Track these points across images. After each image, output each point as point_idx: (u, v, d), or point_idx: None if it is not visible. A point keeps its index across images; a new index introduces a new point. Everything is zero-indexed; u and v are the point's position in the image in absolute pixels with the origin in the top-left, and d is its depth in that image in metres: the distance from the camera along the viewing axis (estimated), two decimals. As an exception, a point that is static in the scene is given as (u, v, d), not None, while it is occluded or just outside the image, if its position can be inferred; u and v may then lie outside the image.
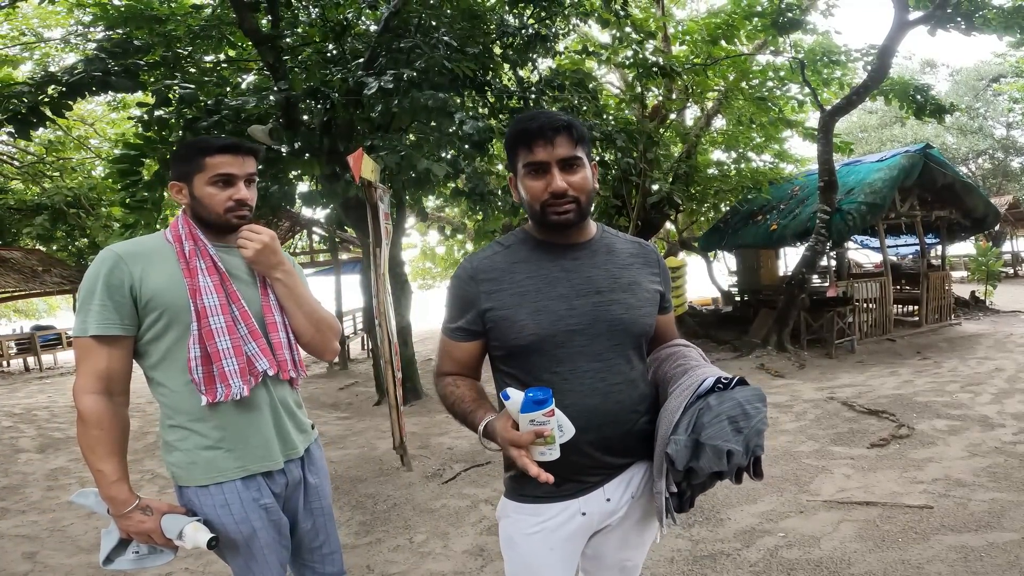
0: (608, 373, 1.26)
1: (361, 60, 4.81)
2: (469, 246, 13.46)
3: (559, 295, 1.24)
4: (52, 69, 8.84)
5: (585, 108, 6.67)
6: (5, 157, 11.14)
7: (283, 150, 5.40)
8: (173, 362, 1.41)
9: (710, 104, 9.91)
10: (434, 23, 4.95)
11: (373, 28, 5.53)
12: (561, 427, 1.12)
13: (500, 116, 6.27)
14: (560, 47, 7.31)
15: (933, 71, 23.15)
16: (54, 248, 12.75)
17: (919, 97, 7.90)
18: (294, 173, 6.11)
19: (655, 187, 9.43)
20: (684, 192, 9.36)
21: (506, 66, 5.98)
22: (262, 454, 1.49)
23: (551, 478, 1.08)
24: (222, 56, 5.67)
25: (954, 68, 23.29)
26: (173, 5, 5.18)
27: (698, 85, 8.50)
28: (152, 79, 4.97)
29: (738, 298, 11.42)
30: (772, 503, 2.89)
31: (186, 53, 5.05)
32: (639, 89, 8.61)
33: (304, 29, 5.33)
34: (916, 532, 2.44)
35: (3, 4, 7.37)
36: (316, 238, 10.74)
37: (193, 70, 5.20)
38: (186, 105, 4.62)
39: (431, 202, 10.87)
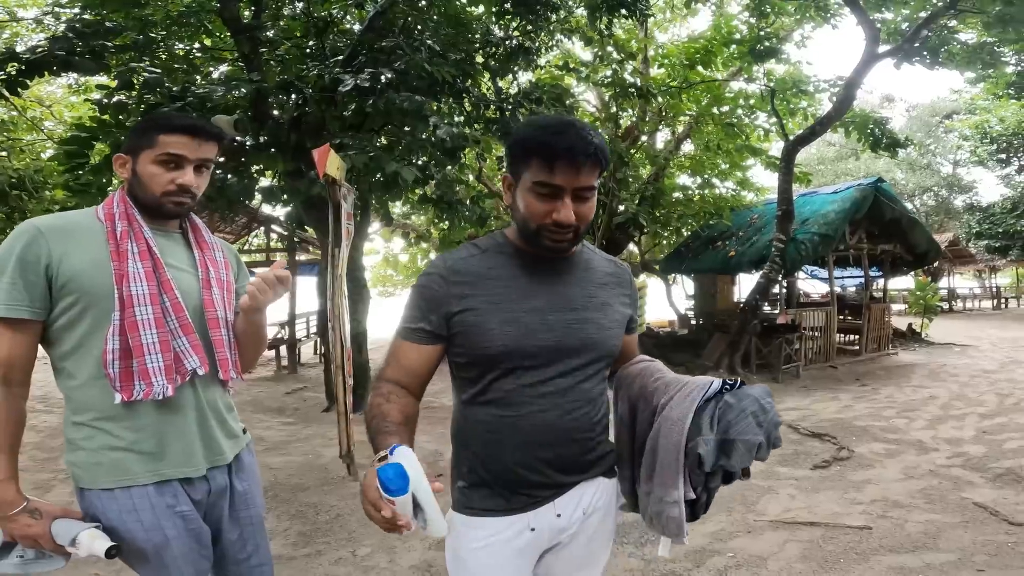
0: (571, 391, 1.23)
1: (340, 57, 4.74)
2: (433, 255, 13.37)
3: (533, 308, 1.20)
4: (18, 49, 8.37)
5: None
6: None
7: (247, 142, 5.25)
8: (86, 353, 1.28)
9: (681, 128, 10.21)
10: (419, 27, 4.93)
11: (357, 27, 5.47)
12: (426, 521, 0.96)
13: (476, 125, 6.28)
14: (542, 61, 7.42)
15: (891, 105, 24.49)
16: (-10, 230, 11.94)
17: (877, 131, 8.30)
18: (256, 167, 5.94)
19: (621, 208, 9.63)
20: (649, 214, 9.57)
21: (486, 75, 6.00)
22: (182, 460, 1.36)
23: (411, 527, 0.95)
24: (197, 44, 5.49)
25: (911, 104, 24.67)
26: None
27: (672, 108, 8.75)
28: (118, 62, 4.75)
29: (694, 322, 11.71)
30: (721, 523, 2.94)
31: (159, 39, 4.85)
32: (614, 109, 8.79)
33: (286, 23, 5.22)
34: (856, 552, 2.52)
35: None
36: (274, 236, 10.43)
37: (164, 56, 5.01)
38: (149, 91, 4.43)
39: (398, 208, 10.74)
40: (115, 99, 4.76)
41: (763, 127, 9.13)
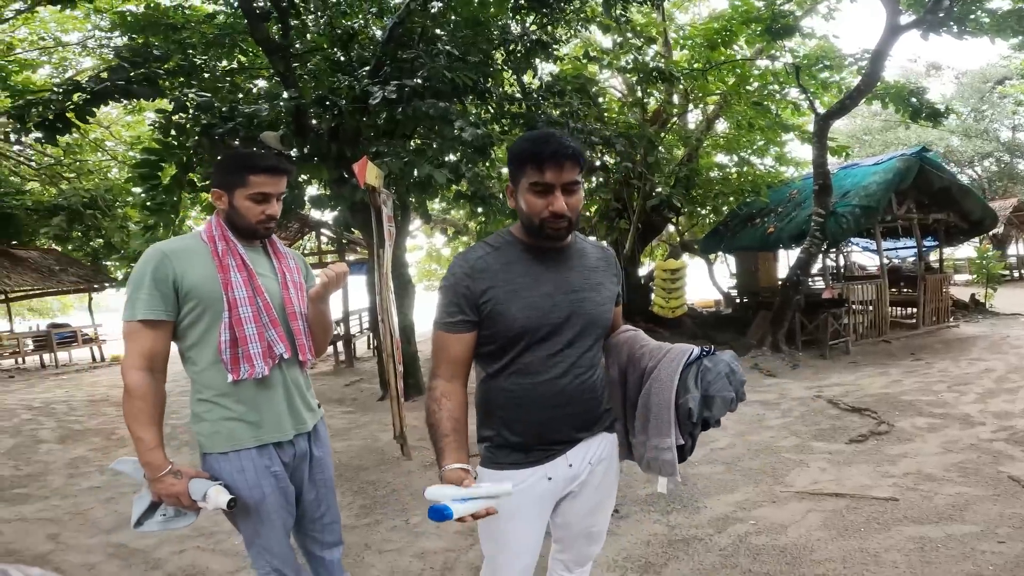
0: (579, 359, 1.44)
1: (368, 68, 5.03)
2: (473, 247, 13.70)
3: (544, 293, 1.40)
4: (70, 74, 9.11)
5: (585, 113, 6.85)
6: (23, 159, 11.50)
7: (293, 154, 5.64)
8: (205, 344, 1.63)
9: (711, 108, 10.06)
10: (438, 31, 5.15)
11: (380, 34, 5.74)
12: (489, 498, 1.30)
13: (503, 121, 6.46)
14: (563, 52, 7.49)
15: (939, 73, 23.09)
16: (70, 248, 13.07)
17: (915, 101, 8.00)
18: (303, 177, 6.35)
19: (658, 190, 9.61)
20: (684, 195, 9.52)
21: (507, 73, 6.17)
22: (275, 427, 1.71)
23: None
24: (235, 64, 5.91)
25: (960, 71, 23.20)
26: (187, 12, 5.41)
27: (698, 89, 8.66)
28: (170, 86, 5.22)
29: (737, 300, 11.56)
30: (748, 493, 3.07)
31: (200, 61, 5.28)
32: (640, 93, 8.78)
33: (313, 38, 5.55)
34: (879, 523, 2.61)
35: (22, 9, 7.63)
36: (324, 239, 10.98)
37: (207, 75, 5.44)
38: (202, 112, 4.85)
39: (436, 205, 11.07)
40: (173, 120, 5.23)
41: (795, 102, 8.90)
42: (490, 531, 1.53)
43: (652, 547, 2.53)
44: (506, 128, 6.42)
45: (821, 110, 7.82)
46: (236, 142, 5.35)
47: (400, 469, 3.90)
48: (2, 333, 12.56)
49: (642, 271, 12.39)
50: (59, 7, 4.61)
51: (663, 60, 8.18)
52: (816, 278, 11.05)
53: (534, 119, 6.00)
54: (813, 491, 3.03)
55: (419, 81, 4.29)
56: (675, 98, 9.36)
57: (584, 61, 7.84)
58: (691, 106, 9.84)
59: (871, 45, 7.32)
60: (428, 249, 15.12)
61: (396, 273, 6.47)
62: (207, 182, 5.93)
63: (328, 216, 8.95)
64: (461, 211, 11.26)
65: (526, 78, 6.81)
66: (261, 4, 4.80)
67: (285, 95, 4.91)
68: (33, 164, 11.68)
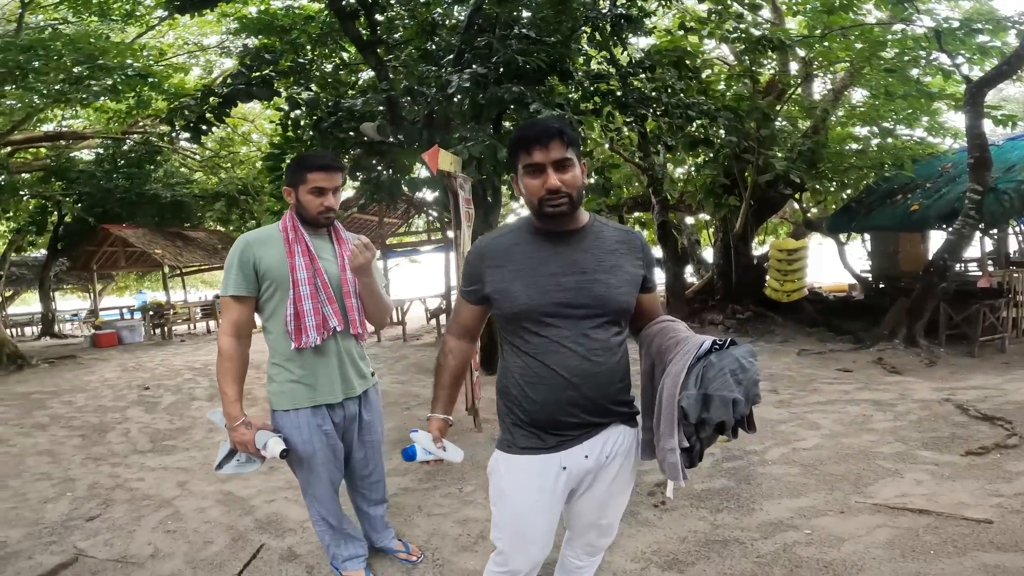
0: (588, 340, 1.44)
1: (451, 57, 5.20)
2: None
3: (549, 273, 1.44)
4: (215, 74, 10.41)
5: (681, 87, 6.46)
6: (188, 153, 13.63)
7: (390, 143, 6.02)
8: (276, 317, 1.97)
9: (839, 76, 8.92)
10: (515, 13, 5.14)
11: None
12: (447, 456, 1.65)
13: (593, 99, 6.32)
14: (658, 23, 7.08)
15: None
16: (231, 228, 15.19)
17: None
18: (404, 163, 6.75)
19: (778, 166, 8.79)
20: (806, 170, 8.59)
21: (593, 51, 5.98)
22: (327, 390, 1.99)
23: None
24: (338, 60, 6.41)
25: None
26: (297, 12, 5.94)
27: (821, 57, 7.70)
28: (284, 86, 5.83)
29: (874, 285, 10.27)
30: (815, 500, 2.82)
31: (306, 62, 5.81)
32: (747, 63, 8.03)
33: (400, 33, 5.83)
34: (955, 546, 2.27)
35: (163, 16, 8.78)
36: (431, 218, 11.59)
37: (316, 73, 5.98)
38: (310, 108, 5.37)
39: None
40: (291, 117, 5.83)
41: (943, 68, 7.55)
42: (504, 520, 1.57)
43: (686, 544, 2.45)
44: (597, 106, 6.27)
45: (974, 75, 6.60)
46: (341, 134, 5.85)
47: (468, 440, 4.11)
48: (176, 303, 15.02)
49: (758, 251, 11.49)
50: (190, 16, 5.28)
51: (772, 28, 7.38)
52: (970, 263, 9.45)
53: (625, 97, 5.79)
54: (895, 505, 2.70)
55: (489, 67, 4.35)
56: (794, 67, 8.42)
57: (684, 34, 7.33)
58: (817, 74, 8.78)
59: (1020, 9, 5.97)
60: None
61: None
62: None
63: (430, 197, 9.46)
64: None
65: (617, 53, 6.56)
66: (350, 1, 5.12)
67: (379, 88, 5.24)
68: (197, 157, 13.75)
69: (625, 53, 6.48)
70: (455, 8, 5.61)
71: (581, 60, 6.53)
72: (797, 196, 10.48)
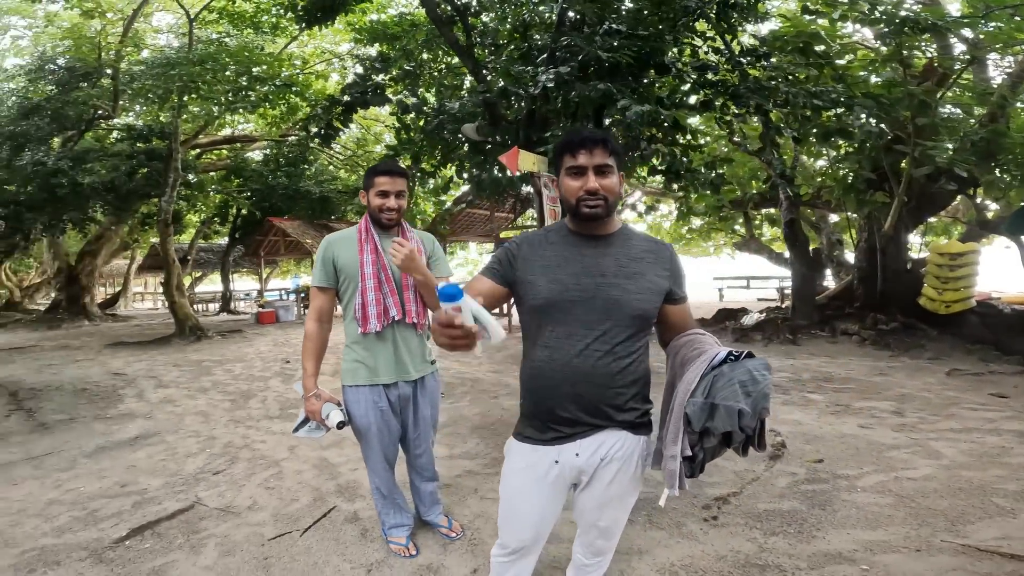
0: (596, 342, 1.50)
1: (544, 57, 5.27)
2: (696, 222, 12.84)
3: (571, 272, 1.53)
4: (350, 79, 11.51)
5: (804, 76, 5.88)
6: (333, 153, 15.33)
7: (489, 143, 6.27)
8: (349, 305, 2.28)
9: (1021, 59, 7.43)
10: (609, 8, 5.03)
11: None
12: (486, 329, 1.22)
13: (704, 91, 6.02)
14: (784, 6, 6.47)
15: None
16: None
17: None
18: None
19: (938, 159, 7.60)
20: (976, 163, 7.30)
21: (697, 40, 5.66)
22: (383, 372, 2.28)
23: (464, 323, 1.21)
24: (443, 65, 6.79)
25: None
26: (406, 20, 6.40)
27: (991, 39, 6.48)
28: (395, 92, 6.34)
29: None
30: (893, 534, 2.50)
31: (412, 67, 6.24)
32: (893, 46, 7.00)
33: (496, 37, 6.01)
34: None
35: (299, 30, 9.69)
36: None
37: (424, 77, 6.40)
38: (416, 112, 5.79)
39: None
40: (404, 121, 6.32)
41: None
42: (503, 504, 1.70)
43: (722, 563, 2.33)
44: (708, 97, 5.96)
45: None
46: (446, 135, 6.21)
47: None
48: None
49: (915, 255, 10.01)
50: (318, 28, 5.95)
51: (923, 7, 6.35)
52: None
53: (738, 88, 5.43)
54: (986, 547, 2.31)
55: (571, 66, 4.34)
56: (960, 51, 7.18)
57: (810, 18, 6.61)
58: (988, 57, 7.41)
59: None
60: (651, 223, 14.80)
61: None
62: (434, 169, 7.02)
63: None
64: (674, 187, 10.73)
65: (728, 42, 6.14)
66: (446, 8, 5.39)
67: (477, 90, 5.48)
68: (339, 156, 15.37)
69: (736, 41, 6.06)
70: (543, 8, 5.65)
71: (688, 52, 6.24)
72: (970, 192, 8.95)
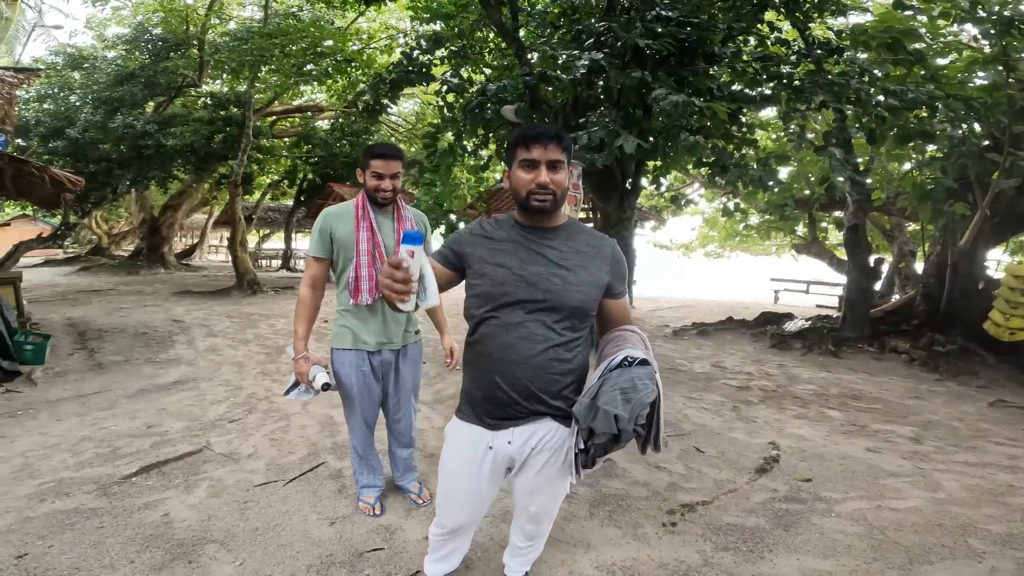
0: (535, 327, 1.57)
1: (591, 41, 5.17)
2: (755, 217, 12.27)
3: (516, 261, 1.61)
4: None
5: (888, 74, 5.49)
6: (394, 125, 15.75)
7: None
8: (343, 276, 2.44)
9: None
10: None
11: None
12: (426, 289, 1.31)
13: (768, 83, 5.75)
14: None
15: None
16: (421, 191, 17.14)
17: None
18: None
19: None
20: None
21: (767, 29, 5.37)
22: (367, 339, 2.44)
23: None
24: (493, 46, 6.78)
25: None
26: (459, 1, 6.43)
27: None
28: (443, 71, 6.42)
29: None
30: (840, 566, 2.41)
31: (458, 48, 6.28)
32: (994, 48, 6.36)
33: (545, 19, 5.92)
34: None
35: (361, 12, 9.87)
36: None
37: (472, 58, 6.44)
38: (457, 92, 5.86)
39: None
40: (446, 100, 6.42)
41: None
42: (440, 485, 1.81)
43: (662, 570, 2.34)
44: (771, 91, 5.69)
45: None
46: (487, 115, 6.26)
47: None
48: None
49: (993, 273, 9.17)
50: (376, 4, 6.09)
51: None
52: None
53: (803, 83, 5.16)
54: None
55: (605, 53, 4.25)
56: None
57: (909, 13, 6.09)
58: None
59: None
60: (708, 216, 14.29)
61: (619, 237, 6.64)
62: (474, 149, 7.11)
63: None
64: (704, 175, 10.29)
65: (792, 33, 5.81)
66: None
67: (520, 73, 5.47)
68: (401, 128, 15.77)
69: (808, 34, 5.73)
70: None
71: (754, 43, 5.97)
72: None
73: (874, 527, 2.79)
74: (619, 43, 4.47)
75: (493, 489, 1.78)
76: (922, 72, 6.21)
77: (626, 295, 1.72)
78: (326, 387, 2.32)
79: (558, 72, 5.24)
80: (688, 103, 4.30)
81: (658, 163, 6.75)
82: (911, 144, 7.58)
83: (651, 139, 5.48)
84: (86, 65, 12.66)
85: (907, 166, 10.46)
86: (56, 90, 12.62)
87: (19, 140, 11.84)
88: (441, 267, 1.66)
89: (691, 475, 3.37)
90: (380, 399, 2.57)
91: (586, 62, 4.35)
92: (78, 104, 12.19)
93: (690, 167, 7.41)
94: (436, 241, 3.10)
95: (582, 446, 1.52)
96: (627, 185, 6.66)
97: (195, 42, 11.50)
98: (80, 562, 2.28)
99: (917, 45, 6.17)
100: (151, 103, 13.35)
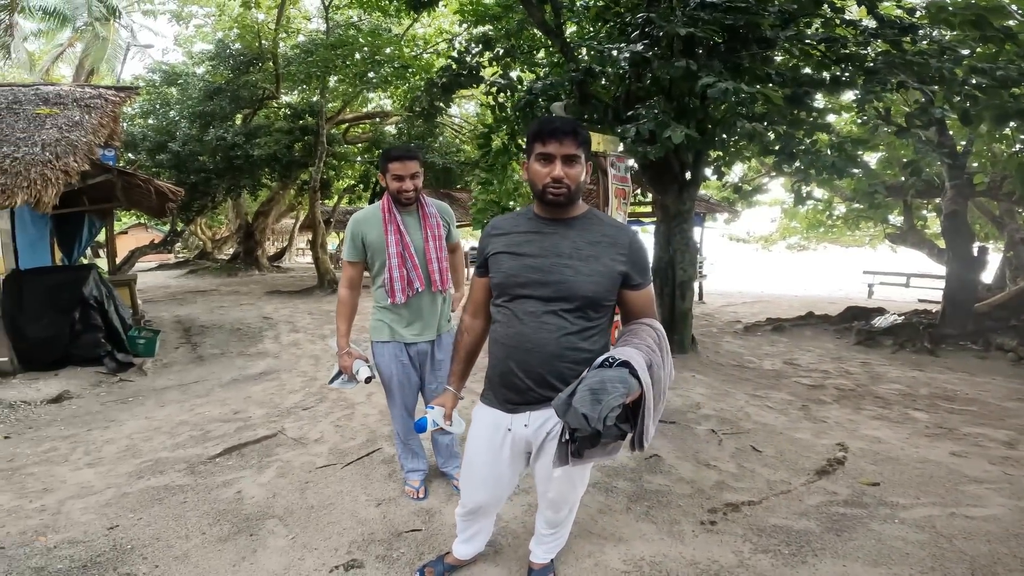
0: (547, 316, 1.65)
1: (636, 34, 5.08)
2: (841, 208, 11.42)
3: (531, 251, 1.69)
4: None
5: (965, 53, 5.01)
6: (457, 127, 16.10)
7: (581, 120, 6.23)
8: (378, 277, 2.61)
9: None
10: None
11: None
12: (450, 429, 1.98)
13: (839, 66, 5.42)
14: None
15: None
16: (486, 193, 17.44)
17: None
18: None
19: None
20: None
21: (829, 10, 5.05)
22: (405, 332, 2.61)
23: None
24: (539, 44, 6.79)
25: None
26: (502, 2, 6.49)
27: None
28: (492, 72, 6.53)
29: None
30: (893, 574, 2.26)
31: (505, 48, 6.35)
32: None
33: (588, 13, 5.85)
34: None
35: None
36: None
37: (519, 59, 6.50)
38: (505, 92, 5.95)
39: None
40: (498, 100, 6.53)
41: None
42: (463, 467, 1.93)
43: (692, 569, 2.30)
44: (843, 73, 5.36)
45: None
46: (538, 113, 6.31)
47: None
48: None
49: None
50: (425, 11, 6.26)
51: None
52: None
53: (864, 62, 4.82)
54: None
55: (645, 44, 4.16)
56: None
57: None
58: None
59: None
60: (787, 207, 13.48)
61: (679, 230, 6.50)
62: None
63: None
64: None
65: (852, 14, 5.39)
66: None
67: (567, 69, 5.47)
68: (466, 130, 16.10)
69: (876, 12, 5.34)
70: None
71: (818, 24, 5.63)
72: None
73: (941, 535, 2.58)
74: (661, 33, 4.36)
75: (514, 473, 1.84)
76: (1014, 50, 5.55)
77: (648, 286, 1.71)
78: (369, 379, 2.50)
79: (606, 67, 5.19)
80: (738, 89, 4.14)
81: (719, 153, 6.51)
82: (1012, 124, 6.79)
83: (709, 128, 5.29)
84: (180, 81, 13.98)
85: (1017, 147, 9.36)
86: (157, 106, 14.03)
87: (129, 154, 13.29)
88: (483, 281, 1.82)
89: (742, 474, 3.26)
90: (419, 386, 2.72)
91: (627, 55, 4.28)
92: (177, 119, 13.49)
93: (751, 156, 7.06)
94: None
95: (567, 437, 1.54)
96: (685, 176, 6.47)
97: (269, 56, 12.40)
98: (161, 533, 2.59)
99: (1010, 23, 5.51)
100: (239, 115, 14.52)
